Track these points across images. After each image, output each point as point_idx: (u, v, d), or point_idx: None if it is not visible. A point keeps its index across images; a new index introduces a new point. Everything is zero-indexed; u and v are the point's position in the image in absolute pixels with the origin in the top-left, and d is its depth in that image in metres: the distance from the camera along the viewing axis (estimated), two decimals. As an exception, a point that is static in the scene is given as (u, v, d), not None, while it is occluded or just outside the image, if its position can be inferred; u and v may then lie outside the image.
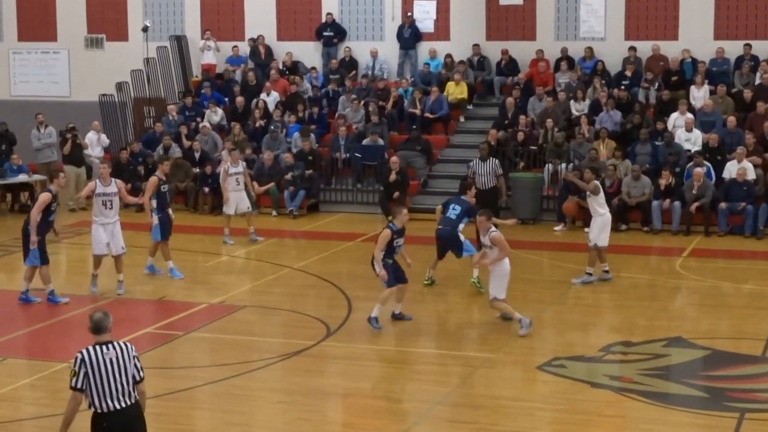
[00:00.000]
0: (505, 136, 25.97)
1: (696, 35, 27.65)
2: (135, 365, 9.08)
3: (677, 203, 23.39)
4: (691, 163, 23.95)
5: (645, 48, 27.90)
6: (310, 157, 26.47)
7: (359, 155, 26.52)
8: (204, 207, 26.41)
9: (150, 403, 13.20)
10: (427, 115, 27.83)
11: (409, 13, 29.52)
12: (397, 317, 16.71)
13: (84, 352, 8.94)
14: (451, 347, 15.93)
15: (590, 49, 28.35)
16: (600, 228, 18.71)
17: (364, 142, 26.75)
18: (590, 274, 18.93)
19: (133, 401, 9.03)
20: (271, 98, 28.86)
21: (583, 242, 22.47)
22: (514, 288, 18.94)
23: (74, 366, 8.94)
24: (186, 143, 27.53)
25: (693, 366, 14.71)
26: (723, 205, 23.31)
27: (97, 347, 8.99)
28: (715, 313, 17.70)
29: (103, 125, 29.15)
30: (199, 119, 28.61)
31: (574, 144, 25.30)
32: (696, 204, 23.34)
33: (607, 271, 19.01)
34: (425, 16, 29.69)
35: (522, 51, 28.73)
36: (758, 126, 24.92)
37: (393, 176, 25.03)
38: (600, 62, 28.00)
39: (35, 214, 17.42)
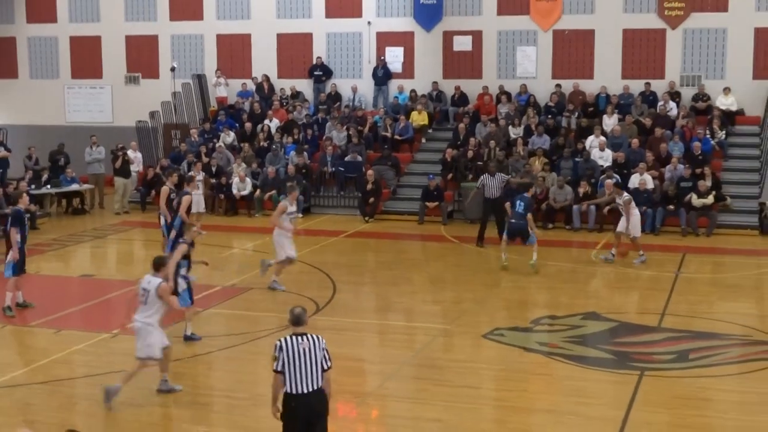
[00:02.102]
0: (458, 154, 26.01)
1: (608, 75, 27.73)
2: (324, 356, 8.80)
3: (593, 207, 23.50)
4: (603, 176, 24.02)
5: (568, 85, 27.97)
6: (304, 171, 26.45)
7: (342, 169, 26.51)
8: (219, 209, 26.33)
9: (175, 365, 13.27)
10: (396, 137, 27.81)
11: (382, 57, 29.52)
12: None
13: (282, 340, 8.75)
14: (415, 320, 15.98)
15: (524, 85, 28.38)
16: (635, 224, 19.57)
17: (347, 158, 26.73)
18: (613, 255, 19.81)
19: (318, 387, 8.72)
20: (273, 124, 28.79)
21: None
22: (465, 275, 19.09)
23: (275, 352, 8.73)
24: (205, 159, 27.44)
25: (604, 335, 14.79)
26: (628, 208, 23.45)
27: (295, 337, 8.78)
28: (622, 293, 17.83)
29: (139, 145, 29.02)
30: (215, 140, 28.51)
31: (512, 160, 25.36)
32: (607, 207, 23.42)
33: (642, 254, 19.74)
34: (395, 60, 29.68)
35: (471, 87, 28.75)
36: (656, 146, 25.05)
37: (369, 186, 25.07)
38: (532, 96, 28.04)
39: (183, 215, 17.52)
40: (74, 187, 27.13)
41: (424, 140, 28.35)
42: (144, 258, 20.66)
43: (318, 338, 8.90)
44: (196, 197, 22.56)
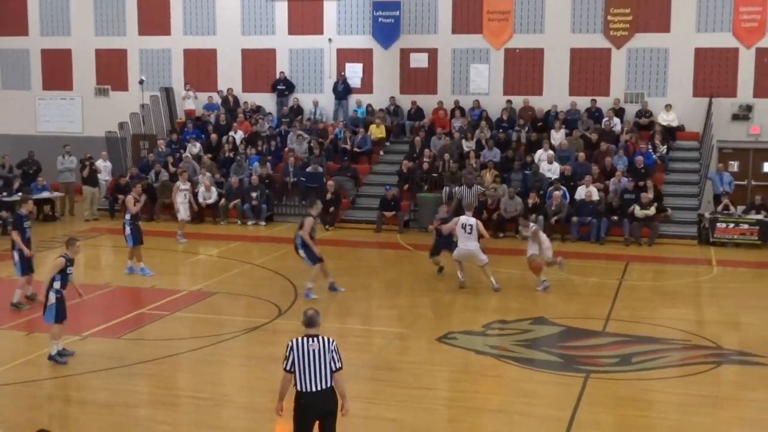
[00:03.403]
0: (414, 166, 26.08)
1: (556, 92, 27.99)
2: (333, 357, 8.76)
3: (541, 217, 23.64)
4: (551, 187, 24.24)
5: (518, 101, 28.19)
6: (267, 180, 26.36)
7: (304, 179, 26.45)
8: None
9: (143, 366, 13.18)
10: (355, 149, 27.84)
11: (342, 73, 29.54)
12: (332, 287, 17.52)
13: (294, 341, 8.69)
14: (373, 324, 15.98)
15: (477, 101, 28.55)
16: (547, 247, 18.16)
17: (308, 169, 26.67)
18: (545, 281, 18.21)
19: (328, 386, 8.70)
20: (237, 135, 28.68)
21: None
22: (420, 282, 19.10)
23: (286, 352, 8.69)
24: (172, 169, 27.26)
25: (552, 338, 14.87)
26: (575, 218, 23.64)
27: (305, 338, 8.73)
28: (568, 300, 17.90)
29: (108, 155, 28.74)
30: (182, 151, 28.33)
31: (465, 172, 25.45)
32: (555, 217, 23.65)
33: (544, 279, 18.19)
34: (354, 75, 29.71)
35: (426, 102, 28.87)
36: (601, 160, 25.30)
37: (329, 195, 25.04)
38: (484, 111, 28.20)
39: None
40: (45, 194, 26.84)
41: (381, 152, 28.39)
42: (112, 263, 20.52)
43: (329, 340, 8.89)
44: (183, 206, 23.25)
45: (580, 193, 24.01)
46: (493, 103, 28.47)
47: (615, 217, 23.56)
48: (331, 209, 25.00)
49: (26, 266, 16.20)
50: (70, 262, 13.18)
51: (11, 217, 16.99)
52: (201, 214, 26.11)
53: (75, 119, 32.24)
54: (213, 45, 30.64)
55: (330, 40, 29.58)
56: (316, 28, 29.73)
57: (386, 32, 29.23)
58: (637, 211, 23.42)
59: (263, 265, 20.03)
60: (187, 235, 23.57)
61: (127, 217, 18.98)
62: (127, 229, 18.88)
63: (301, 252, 17.10)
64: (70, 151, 27.64)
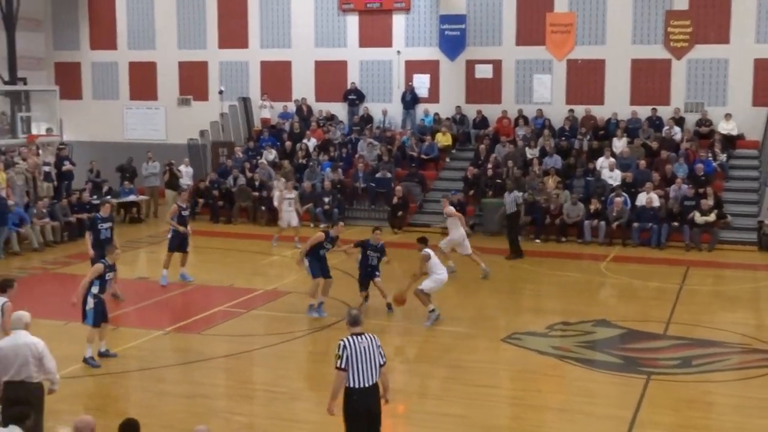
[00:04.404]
0: (479, 172, 25.93)
1: (617, 101, 27.56)
2: (379, 352, 8.83)
3: (602, 222, 23.33)
4: (612, 194, 23.89)
5: (580, 110, 27.84)
6: (338, 186, 26.48)
7: (373, 185, 26.49)
8: (261, 221, 26.38)
9: (221, 361, 13.33)
10: (423, 156, 27.79)
11: (410, 83, 29.53)
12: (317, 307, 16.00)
13: (345, 340, 8.72)
14: (440, 324, 15.89)
15: (540, 110, 28.28)
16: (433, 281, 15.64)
17: (377, 175, 26.70)
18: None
19: (376, 381, 8.75)
20: (311, 143, 28.84)
21: (531, 249, 22.52)
22: (485, 283, 18.98)
23: (339, 351, 8.68)
24: (248, 175, 27.53)
25: (613, 341, 14.67)
26: (635, 224, 23.26)
27: (354, 337, 8.77)
28: (630, 303, 17.66)
29: (189, 161, 29.16)
30: (258, 157, 28.59)
31: (528, 179, 25.25)
32: (616, 223, 23.30)
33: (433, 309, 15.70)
34: (422, 85, 29.66)
35: (491, 111, 28.67)
36: (661, 168, 24.84)
37: (397, 200, 25.03)
38: (547, 120, 27.92)
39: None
40: (132, 197, 27.34)
41: (447, 159, 28.29)
42: (193, 263, 20.70)
43: (373, 337, 8.94)
44: (288, 214, 22.74)
45: (641, 199, 23.61)
46: (556, 112, 28.16)
47: (675, 223, 23.10)
48: (399, 213, 24.98)
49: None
50: (109, 267, 13.16)
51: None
52: (276, 217, 26.27)
53: (159, 127, 32.74)
54: (288, 57, 30.87)
55: (399, 52, 29.59)
56: (386, 41, 29.76)
57: (452, 44, 29.14)
58: (698, 217, 22.94)
59: (335, 267, 20.07)
60: (262, 237, 23.78)
61: (175, 222, 18.39)
62: (171, 234, 18.51)
63: (306, 261, 16.06)
64: (152, 157, 28.09)
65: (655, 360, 13.49)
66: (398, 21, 29.59)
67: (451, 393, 12.06)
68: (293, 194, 23.08)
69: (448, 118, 28.86)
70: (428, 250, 15.66)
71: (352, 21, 30.03)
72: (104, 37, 32.91)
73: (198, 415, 11.05)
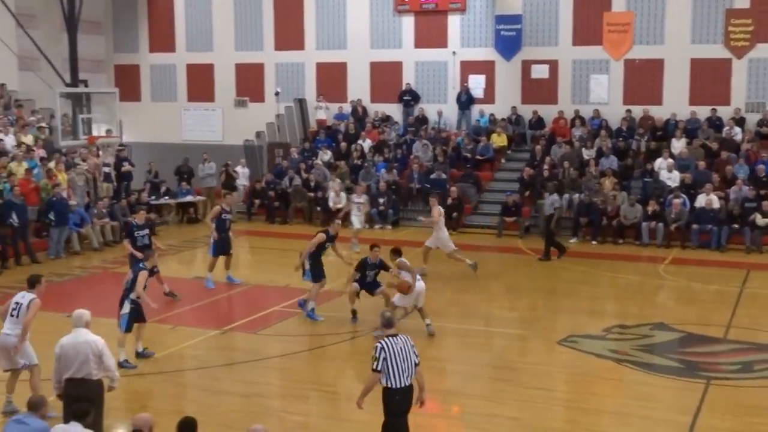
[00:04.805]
0: (534, 173, 25.75)
1: (675, 102, 27.18)
2: (414, 352, 8.95)
3: (661, 224, 23.00)
4: (671, 195, 23.55)
5: (638, 110, 27.50)
6: (393, 186, 26.49)
7: (428, 185, 26.45)
8: (316, 221, 26.48)
9: (277, 360, 13.41)
10: (478, 157, 27.68)
11: (466, 84, 29.44)
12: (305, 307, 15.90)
13: (383, 342, 8.84)
14: (493, 325, 15.83)
15: (597, 110, 28.00)
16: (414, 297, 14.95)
17: (432, 176, 26.67)
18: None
19: (412, 381, 8.90)
20: (366, 144, 28.92)
21: (588, 251, 22.31)
22: (540, 285, 18.83)
23: (376, 353, 8.80)
24: (304, 175, 27.70)
25: (672, 344, 14.44)
26: (695, 226, 22.89)
27: (390, 338, 8.89)
28: (689, 306, 17.38)
29: (246, 162, 29.43)
30: (314, 158, 28.75)
31: (585, 180, 25.00)
32: (675, 225, 22.95)
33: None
34: (477, 86, 29.56)
35: (547, 111, 28.47)
36: (721, 169, 24.41)
37: (451, 201, 24.96)
38: (604, 120, 27.64)
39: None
40: (189, 198, 27.69)
41: (503, 160, 28.14)
42: (249, 263, 20.95)
43: (407, 338, 9.05)
44: (357, 218, 22.73)
45: (701, 201, 23.22)
46: (613, 112, 27.84)
47: (736, 225, 22.68)
48: (454, 214, 24.92)
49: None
50: (150, 271, 13.22)
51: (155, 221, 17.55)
52: (331, 217, 26.37)
53: (216, 128, 33.11)
54: (343, 58, 31.00)
55: (454, 53, 29.52)
56: (441, 42, 29.71)
57: (508, 45, 28.99)
58: (759, 219, 22.48)
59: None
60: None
61: (214, 226, 18.33)
62: (215, 235, 18.30)
63: (307, 264, 15.89)
64: (208, 158, 28.38)
65: (715, 364, 13.24)
66: (453, 21, 29.53)
67: (504, 395, 11.98)
68: (363, 198, 23.07)
69: (503, 119, 28.72)
70: (404, 260, 14.99)
71: (408, 22, 30.04)
72: (163, 39, 33.39)
73: (254, 414, 11.13)
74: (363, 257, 15.81)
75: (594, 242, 23.52)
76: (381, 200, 26.08)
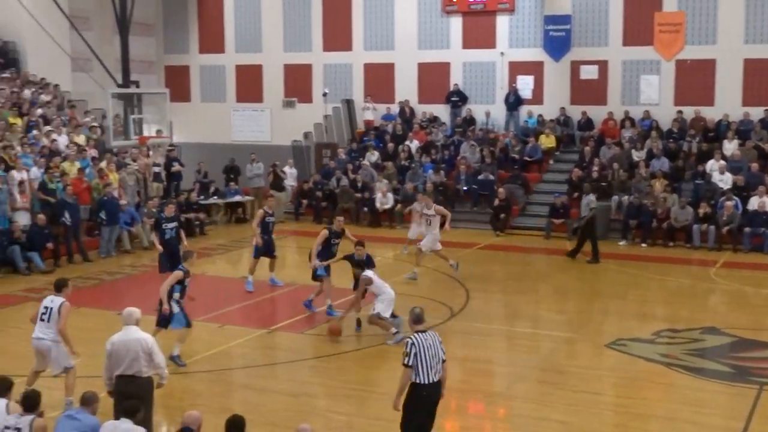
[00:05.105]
0: (583, 175, 25.52)
1: (728, 103, 26.75)
2: (441, 348, 9.04)
3: (712, 227, 22.65)
4: (723, 198, 23.19)
5: (689, 111, 27.12)
6: (440, 187, 26.45)
7: (475, 187, 26.36)
8: (363, 222, 26.56)
9: (323, 360, 13.44)
10: (526, 158, 27.53)
11: (514, 84, 29.29)
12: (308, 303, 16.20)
13: (413, 337, 8.95)
14: (541, 327, 15.73)
15: (647, 111, 27.66)
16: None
17: (480, 177, 26.57)
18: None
19: (440, 376, 9.01)
20: (413, 144, 28.90)
21: (638, 253, 22.07)
22: (588, 288, 18.66)
23: (407, 348, 8.90)
24: (351, 176, 27.77)
25: (723, 349, 14.22)
26: (747, 229, 22.51)
27: (419, 334, 8.99)
28: (741, 310, 17.07)
29: (294, 162, 29.59)
30: (361, 159, 28.81)
31: (635, 181, 24.72)
32: (727, 228, 22.58)
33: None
34: (525, 87, 29.40)
35: (596, 112, 28.19)
36: (775, 170, 24.03)
37: (498, 202, 24.85)
38: (655, 122, 27.29)
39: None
40: (237, 198, 27.91)
41: (551, 161, 27.94)
42: (297, 263, 21.04)
43: (436, 334, 9.16)
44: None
45: (753, 203, 22.84)
46: (664, 113, 27.48)
47: (790, 228, 22.30)
48: (502, 216, 24.81)
49: (165, 263, 16.68)
50: (187, 273, 13.27)
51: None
52: (378, 218, 26.47)
53: (264, 129, 33.33)
54: (391, 59, 31.01)
55: (502, 53, 29.38)
56: (489, 42, 29.59)
57: (557, 45, 28.77)
58: (813, 222, 22.07)
59: (437, 269, 20.07)
60: (364, 238, 23.87)
61: (259, 230, 18.16)
62: (258, 240, 18.10)
63: (317, 261, 15.87)
64: (255, 159, 28.57)
65: (767, 369, 13.00)
66: (502, 22, 29.39)
67: (552, 398, 11.88)
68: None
69: (552, 120, 28.53)
70: (368, 273, 14.66)
71: (456, 22, 29.97)
72: (212, 40, 33.71)
73: (300, 413, 11.18)
74: (350, 253, 15.48)
75: (644, 245, 23.25)
76: (428, 201, 26.04)
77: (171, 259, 16.67)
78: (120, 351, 9.51)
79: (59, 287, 11.25)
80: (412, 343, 8.90)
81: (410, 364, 8.86)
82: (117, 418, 8.33)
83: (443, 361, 9.05)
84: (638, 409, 11.57)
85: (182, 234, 17.51)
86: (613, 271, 20.09)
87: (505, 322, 16.00)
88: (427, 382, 8.88)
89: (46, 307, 11.08)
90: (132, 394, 8.98)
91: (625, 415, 11.47)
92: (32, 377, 11.19)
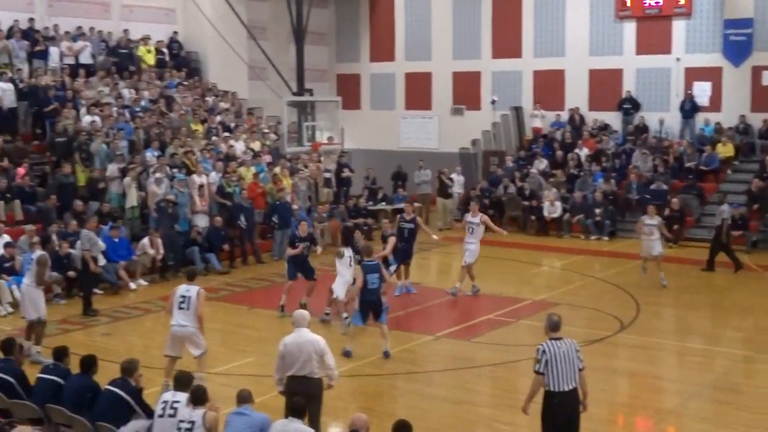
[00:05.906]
0: (764, 185, 24.31)
1: None
2: (578, 357, 8.91)
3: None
4: None
5: None
6: (610, 197, 25.85)
7: (648, 196, 25.60)
8: (531, 230, 26.31)
9: (490, 369, 13.42)
10: (702, 167, 26.52)
11: (690, 91, 28.28)
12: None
13: (545, 344, 8.88)
14: (715, 344, 15.10)
15: (837, 119, 26.15)
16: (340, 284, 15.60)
17: (652, 186, 25.79)
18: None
19: (576, 385, 8.85)
20: (582, 152, 28.40)
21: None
22: (766, 301, 17.79)
23: (538, 355, 8.87)
24: (519, 184, 27.56)
25: None
26: None
27: (554, 342, 8.91)
28: None
29: (461, 169, 29.65)
30: (529, 167, 28.56)
31: (822, 193, 23.39)
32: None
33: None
34: (702, 94, 28.32)
35: (779, 120, 26.89)
36: None
37: (670, 212, 24.03)
38: None
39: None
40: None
41: (729, 171, 26.78)
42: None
43: (572, 342, 8.96)
44: (648, 242, 19.22)
45: None
46: None
47: None
48: (675, 226, 23.97)
49: (293, 273, 16.68)
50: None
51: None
52: (546, 227, 26.16)
53: (432, 136, 33.57)
54: (561, 66, 30.58)
55: (678, 59, 28.42)
56: (664, 48, 28.68)
57: (737, 50, 27.56)
58: None
59: (605, 279, 19.65)
60: (531, 246, 23.73)
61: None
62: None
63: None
64: (423, 165, 28.83)
65: None
66: (678, 27, 28.44)
67: (728, 418, 11.38)
68: (655, 220, 19.28)
69: (730, 128, 27.35)
70: (344, 250, 15.82)
71: (629, 28, 29.24)
72: (383, 49, 34.26)
73: (463, 421, 11.21)
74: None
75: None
76: (597, 210, 25.55)
77: (299, 266, 16.72)
78: (293, 352, 9.80)
79: (192, 276, 11.98)
80: (544, 351, 8.78)
81: (541, 371, 8.75)
82: (287, 416, 8.61)
83: (580, 369, 8.85)
84: (822, 435, 10.94)
85: (315, 249, 17.71)
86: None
87: (676, 337, 15.46)
88: (558, 390, 8.72)
89: (183, 296, 11.80)
90: (303, 395, 9.24)
91: (808, 440, 10.87)
92: (170, 365, 11.72)
